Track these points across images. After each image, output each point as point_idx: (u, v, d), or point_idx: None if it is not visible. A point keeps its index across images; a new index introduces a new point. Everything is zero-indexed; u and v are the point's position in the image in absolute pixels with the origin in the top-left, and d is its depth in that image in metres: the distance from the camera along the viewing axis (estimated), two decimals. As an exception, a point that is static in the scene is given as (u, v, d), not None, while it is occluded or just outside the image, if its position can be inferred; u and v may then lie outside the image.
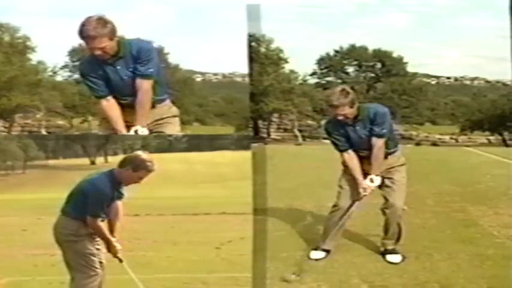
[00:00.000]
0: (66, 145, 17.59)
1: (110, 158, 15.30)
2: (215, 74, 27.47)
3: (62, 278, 4.07)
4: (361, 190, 5.08)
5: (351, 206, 5.22)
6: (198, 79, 26.93)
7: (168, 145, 17.23)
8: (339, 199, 5.26)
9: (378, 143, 5.03)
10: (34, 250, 6.13)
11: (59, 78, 23.24)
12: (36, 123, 21.39)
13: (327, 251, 5.33)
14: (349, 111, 4.89)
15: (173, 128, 4.68)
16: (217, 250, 6.38)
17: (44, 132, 21.01)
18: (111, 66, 4.25)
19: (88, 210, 3.85)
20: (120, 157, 4.05)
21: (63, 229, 3.90)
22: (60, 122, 22.83)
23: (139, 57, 4.27)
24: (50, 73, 22.66)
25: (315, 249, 5.39)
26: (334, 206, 5.30)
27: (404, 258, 5.23)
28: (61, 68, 23.51)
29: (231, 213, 8.71)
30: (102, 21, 4.05)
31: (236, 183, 9.51)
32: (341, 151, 5.15)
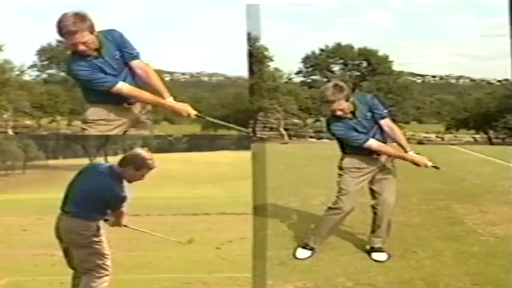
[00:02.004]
0: (66, 145, 17.52)
1: (110, 158, 15.28)
2: (183, 74, 27.49)
3: (62, 278, 4.08)
4: (425, 161, 4.99)
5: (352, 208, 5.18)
6: (167, 78, 26.99)
7: (168, 145, 17.22)
8: (343, 203, 5.08)
9: (389, 123, 5.05)
10: (34, 250, 6.12)
11: (26, 77, 23.02)
12: (3, 123, 21.12)
13: (312, 250, 5.29)
14: (345, 106, 4.85)
15: (150, 127, 4.69)
16: (217, 250, 6.35)
17: (10, 132, 20.76)
18: (100, 59, 4.23)
19: (112, 209, 3.98)
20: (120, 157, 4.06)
21: (84, 231, 3.88)
22: (28, 122, 22.59)
23: (119, 42, 4.31)
24: (17, 72, 22.40)
25: (303, 247, 5.34)
26: (334, 208, 5.15)
27: (389, 256, 5.21)
28: (29, 67, 23.28)
29: (231, 213, 8.72)
30: (80, 15, 4.02)
31: (236, 183, 9.53)
32: (364, 143, 4.95)
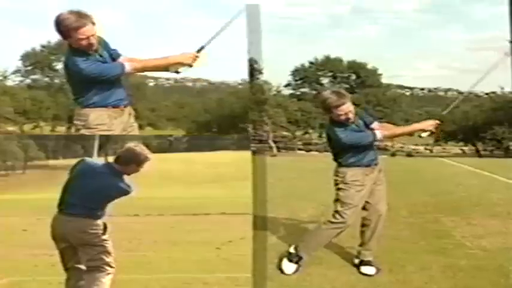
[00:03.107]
0: (66, 145, 17.53)
1: (110, 158, 15.30)
2: (167, 79, 27.77)
3: (62, 278, 4.08)
4: (434, 121, 4.95)
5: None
6: (151, 84, 27.12)
7: (168, 145, 17.28)
8: (349, 216, 4.97)
9: (378, 124, 5.06)
10: (34, 250, 6.10)
11: (9, 82, 22.93)
12: (-15, 129, 21.06)
13: (298, 263, 5.18)
14: (352, 107, 4.84)
15: (137, 131, 4.72)
16: (217, 250, 6.37)
17: (-7, 137, 20.66)
18: (98, 56, 4.23)
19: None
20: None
21: (94, 230, 3.92)
22: (11, 128, 22.45)
23: (103, 42, 4.30)
24: (0, 78, 22.34)
25: (290, 260, 5.19)
26: (337, 222, 5.02)
27: (378, 270, 5.17)
28: (12, 73, 23.20)
29: (231, 213, 8.79)
30: (78, 12, 4.04)
31: (236, 183, 9.55)
32: (374, 138, 4.93)
